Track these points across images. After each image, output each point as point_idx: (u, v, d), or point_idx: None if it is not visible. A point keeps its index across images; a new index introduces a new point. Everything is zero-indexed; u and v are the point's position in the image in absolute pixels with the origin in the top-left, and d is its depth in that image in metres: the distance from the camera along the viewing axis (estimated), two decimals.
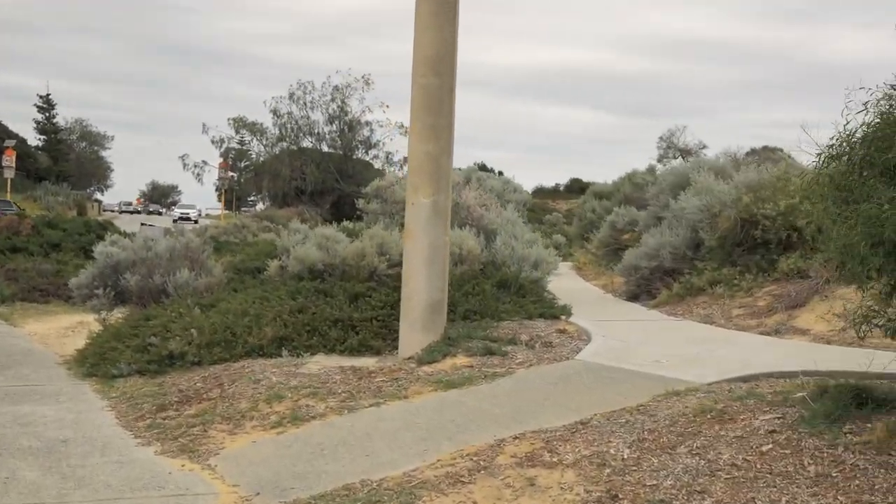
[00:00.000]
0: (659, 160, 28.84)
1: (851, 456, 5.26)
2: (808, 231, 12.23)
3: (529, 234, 15.24)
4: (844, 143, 5.88)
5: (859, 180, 5.75)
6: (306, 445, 6.88)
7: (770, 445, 5.57)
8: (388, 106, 42.08)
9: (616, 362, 8.66)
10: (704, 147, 27.20)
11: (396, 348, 10.02)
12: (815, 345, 9.30)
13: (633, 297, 15.02)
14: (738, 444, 5.65)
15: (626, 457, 5.74)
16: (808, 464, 5.26)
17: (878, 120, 5.69)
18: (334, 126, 41.87)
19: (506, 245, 13.81)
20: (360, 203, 15.74)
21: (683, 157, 28.70)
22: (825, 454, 5.33)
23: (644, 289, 14.68)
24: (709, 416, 6.23)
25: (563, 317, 11.60)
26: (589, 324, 10.99)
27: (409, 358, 9.60)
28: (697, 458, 5.55)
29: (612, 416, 6.76)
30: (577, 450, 6.01)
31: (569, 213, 41.90)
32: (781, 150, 25.75)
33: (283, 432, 7.35)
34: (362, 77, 40.02)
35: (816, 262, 11.31)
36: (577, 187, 51.58)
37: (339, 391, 8.30)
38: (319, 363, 9.34)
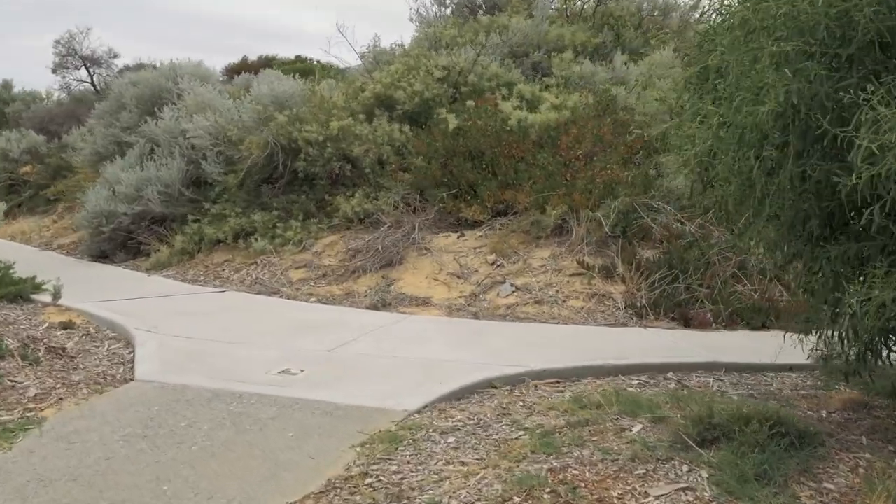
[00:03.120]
0: (54, 71, 24.00)
1: None
2: (367, 163, 10.26)
3: None
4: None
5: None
6: None
7: None
8: None
9: (220, 381, 5.62)
10: (116, 56, 23.26)
11: None
12: (472, 322, 7.36)
13: (101, 256, 11.40)
14: None
15: None
16: None
17: None
18: None
19: None
20: None
21: (87, 68, 24.51)
22: None
23: (120, 244, 11.19)
24: (549, 496, 3.72)
25: (50, 299, 7.85)
26: (96, 308, 7.51)
27: None
28: None
29: None
30: None
31: None
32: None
33: None
34: None
35: (385, 203, 9.38)
36: None
37: None
38: None
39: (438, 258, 8.53)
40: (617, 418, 4.63)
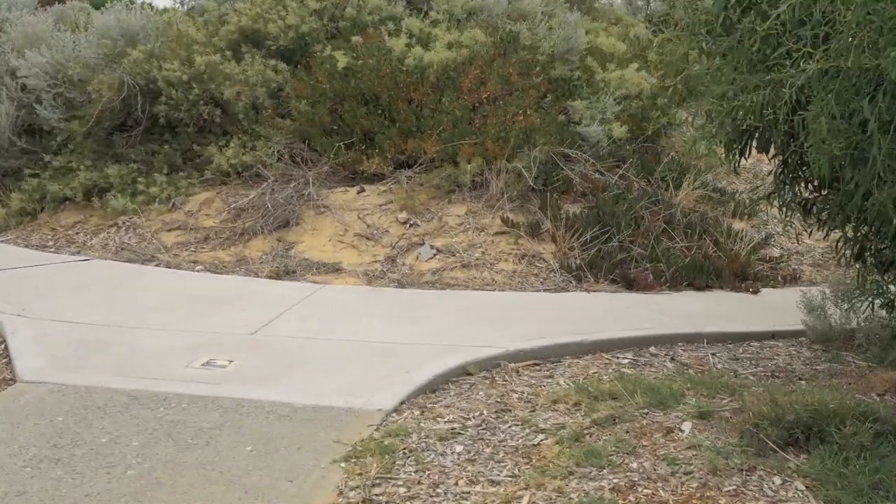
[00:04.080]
0: None
1: None
2: (240, 107, 9.10)
3: None
4: None
5: None
6: None
7: None
8: None
9: (133, 380, 4.69)
10: None
11: None
12: (401, 292, 6.55)
13: None
14: None
15: None
16: None
17: None
18: None
19: None
20: None
21: None
22: None
23: None
24: None
25: None
26: None
27: None
28: None
29: None
30: None
31: None
32: None
33: None
34: None
35: (266, 154, 8.38)
36: None
37: None
38: None
39: (340, 217, 7.64)
40: (646, 412, 4.02)
